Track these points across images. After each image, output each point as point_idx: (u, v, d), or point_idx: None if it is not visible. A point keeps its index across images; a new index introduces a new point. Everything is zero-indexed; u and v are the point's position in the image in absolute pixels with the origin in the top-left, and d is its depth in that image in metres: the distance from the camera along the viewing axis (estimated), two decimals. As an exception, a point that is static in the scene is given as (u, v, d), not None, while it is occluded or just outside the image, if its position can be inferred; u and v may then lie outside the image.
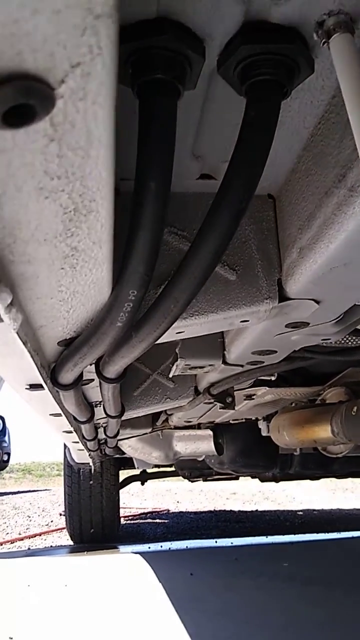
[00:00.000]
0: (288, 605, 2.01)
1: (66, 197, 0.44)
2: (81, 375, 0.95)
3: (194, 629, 1.76)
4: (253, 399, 1.83)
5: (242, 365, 1.38)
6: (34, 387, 1.06)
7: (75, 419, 1.46)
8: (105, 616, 1.95)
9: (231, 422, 2.58)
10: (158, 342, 0.85)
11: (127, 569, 2.85)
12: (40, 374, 0.87)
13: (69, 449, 3.23)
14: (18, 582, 2.58)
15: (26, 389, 1.08)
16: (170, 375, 1.47)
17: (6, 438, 10.52)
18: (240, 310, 0.88)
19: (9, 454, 10.54)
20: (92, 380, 1.21)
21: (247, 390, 1.74)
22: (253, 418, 2.56)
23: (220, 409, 1.65)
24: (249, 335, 1.13)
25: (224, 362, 1.34)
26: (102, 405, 1.52)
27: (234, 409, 1.66)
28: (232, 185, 0.59)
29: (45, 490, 10.87)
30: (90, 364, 1.00)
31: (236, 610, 1.98)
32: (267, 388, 1.69)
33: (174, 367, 1.39)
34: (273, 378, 1.59)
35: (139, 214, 0.56)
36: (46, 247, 0.52)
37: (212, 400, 1.74)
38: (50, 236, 0.50)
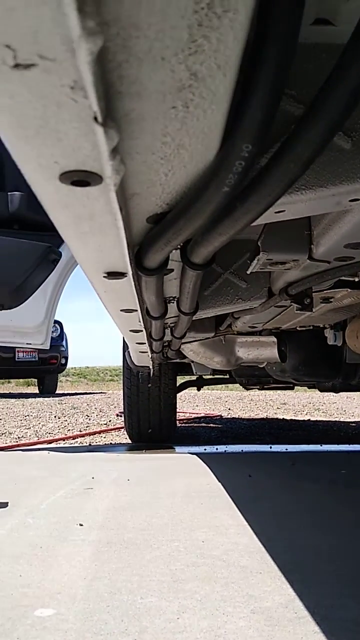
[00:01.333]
0: (356, 508, 2.01)
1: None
2: (168, 258, 0.87)
3: (258, 528, 1.77)
4: (330, 302, 1.72)
5: (328, 262, 1.28)
6: (113, 275, 0.99)
7: (148, 314, 1.40)
8: (170, 509, 2.00)
9: (298, 328, 2.50)
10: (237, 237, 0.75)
11: (186, 468, 2.92)
12: (128, 256, 0.79)
13: (128, 352, 3.25)
14: (83, 474, 2.68)
15: (104, 277, 1.01)
16: (249, 272, 1.38)
17: (64, 343, 10.87)
18: (353, 185, 0.76)
19: (66, 358, 10.93)
20: (172, 270, 1.14)
21: (325, 292, 1.64)
22: (321, 326, 2.47)
23: (297, 310, 1.57)
24: (347, 224, 1.02)
25: (310, 258, 1.24)
26: (175, 302, 1.46)
27: (311, 310, 1.57)
28: None
29: (101, 393, 11.32)
30: (178, 247, 0.92)
31: (301, 512, 1.99)
32: (349, 290, 1.58)
33: (254, 262, 1.30)
34: (357, 279, 1.48)
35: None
36: (162, 72, 0.42)
37: (286, 303, 1.65)
38: (170, 52, 0.40)
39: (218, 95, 0.47)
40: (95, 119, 0.41)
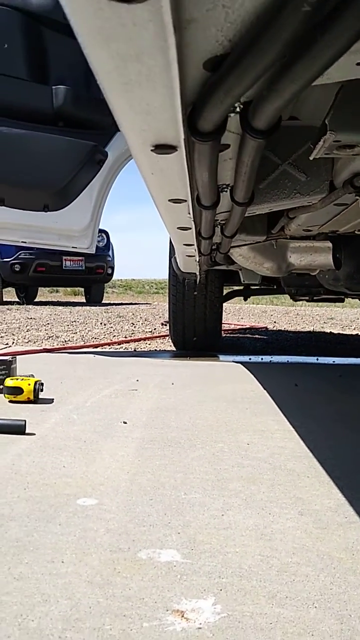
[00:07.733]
0: None
1: None
2: (226, 120, 0.75)
3: (305, 434, 1.73)
4: None
5: None
6: (162, 148, 0.88)
7: (199, 203, 1.30)
8: (215, 412, 1.97)
9: (356, 232, 2.34)
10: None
11: (231, 375, 2.89)
12: (181, 115, 0.68)
13: (175, 257, 3.16)
14: (127, 376, 2.69)
15: (151, 150, 0.91)
16: (311, 157, 1.24)
17: (110, 252, 10.84)
18: None
19: (112, 268, 10.95)
20: (228, 146, 1.02)
21: (393, 186, 1.48)
22: (381, 230, 2.30)
23: (361, 205, 1.42)
24: None
25: (385, 139, 1.09)
26: (228, 190, 1.34)
27: (378, 204, 1.42)
28: None
29: (146, 304, 11.40)
30: (237, 110, 0.79)
31: (348, 422, 1.93)
32: None
33: (320, 144, 1.16)
34: None
35: None
36: None
37: (347, 200, 1.51)
38: None
39: None
40: None
